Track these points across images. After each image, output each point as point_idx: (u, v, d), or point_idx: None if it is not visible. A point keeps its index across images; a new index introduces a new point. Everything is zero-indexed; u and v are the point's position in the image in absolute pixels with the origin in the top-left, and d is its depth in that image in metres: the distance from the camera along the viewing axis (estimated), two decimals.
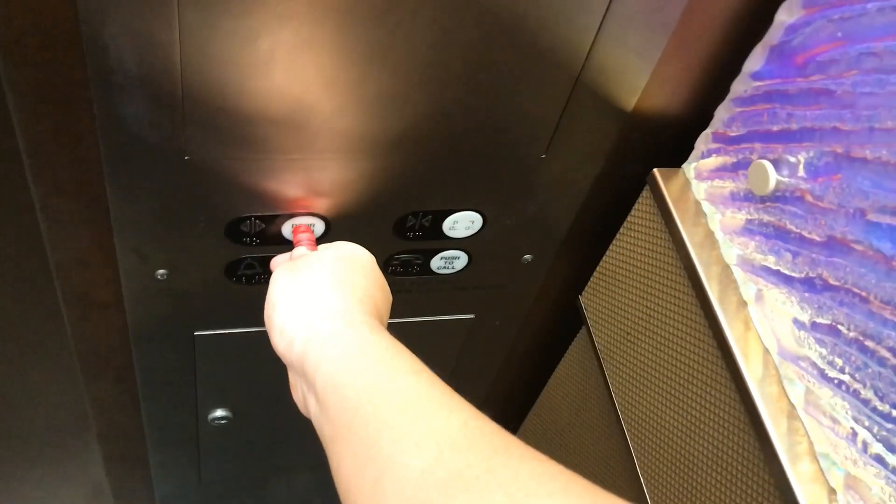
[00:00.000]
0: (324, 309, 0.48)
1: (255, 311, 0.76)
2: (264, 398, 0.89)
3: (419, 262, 0.74)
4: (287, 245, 0.66)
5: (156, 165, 0.57)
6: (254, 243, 0.67)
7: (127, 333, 0.74)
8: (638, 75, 0.62)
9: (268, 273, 0.71)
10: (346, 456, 0.38)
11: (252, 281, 0.71)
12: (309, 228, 0.66)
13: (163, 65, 0.51)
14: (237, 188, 0.61)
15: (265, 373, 0.85)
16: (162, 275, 0.67)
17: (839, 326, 0.49)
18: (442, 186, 0.67)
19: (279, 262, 0.59)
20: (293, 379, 0.50)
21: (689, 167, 0.64)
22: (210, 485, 1.05)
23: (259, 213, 0.64)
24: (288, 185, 0.63)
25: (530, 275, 0.80)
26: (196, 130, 0.56)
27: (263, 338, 0.79)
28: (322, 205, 0.65)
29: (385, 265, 0.73)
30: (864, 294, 0.47)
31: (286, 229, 0.66)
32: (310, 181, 0.63)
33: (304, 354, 0.45)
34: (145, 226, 0.62)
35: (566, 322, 0.86)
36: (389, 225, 0.69)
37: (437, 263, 0.75)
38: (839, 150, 0.48)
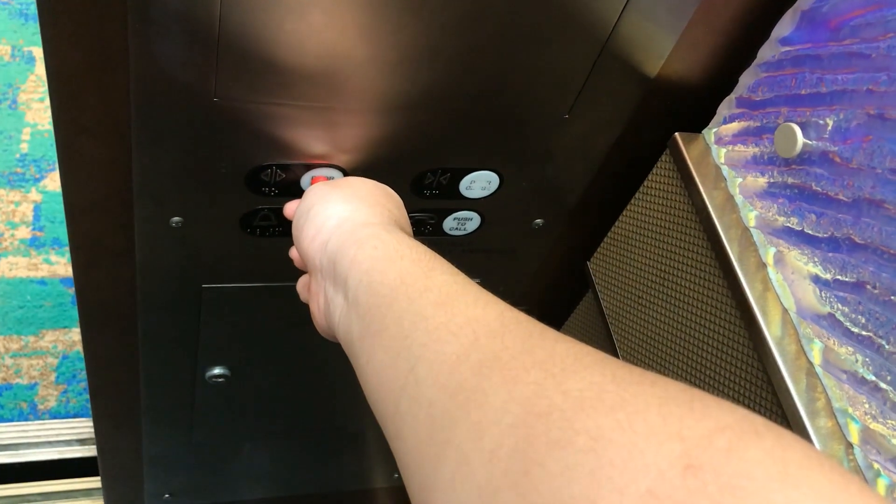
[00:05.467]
0: (363, 216, 0.49)
1: (265, 265, 0.76)
2: (264, 358, 0.89)
3: (432, 221, 0.74)
4: None
5: (184, 106, 0.57)
6: (272, 194, 0.66)
7: (133, 284, 0.73)
8: (665, 41, 0.63)
9: (282, 225, 0.70)
10: (377, 350, 0.38)
11: (266, 233, 0.70)
12: (328, 180, 0.65)
13: (204, 1, 0.50)
14: (262, 135, 0.61)
15: (268, 331, 0.85)
16: (177, 223, 0.67)
17: (865, 285, 0.50)
18: (463, 144, 0.67)
19: (293, 207, 0.59)
20: (316, 285, 0.50)
21: (710, 132, 0.65)
22: (200, 446, 1.04)
23: (280, 163, 0.64)
24: (312, 134, 0.62)
25: (540, 239, 0.80)
26: (228, 72, 0.55)
27: (271, 294, 0.79)
28: (342, 157, 0.65)
29: None
30: (892, 252, 0.48)
31: (305, 180, 0.66)
32: (333, 132, 0.63)
33: (338, 253, 0.46)
34: (166, 170, 0.62)
35: (570, 288, 0.87)
36: (407, 181, 0.69)
37: (449, 224, 0.75)
38: (871, 112, 0.50)
